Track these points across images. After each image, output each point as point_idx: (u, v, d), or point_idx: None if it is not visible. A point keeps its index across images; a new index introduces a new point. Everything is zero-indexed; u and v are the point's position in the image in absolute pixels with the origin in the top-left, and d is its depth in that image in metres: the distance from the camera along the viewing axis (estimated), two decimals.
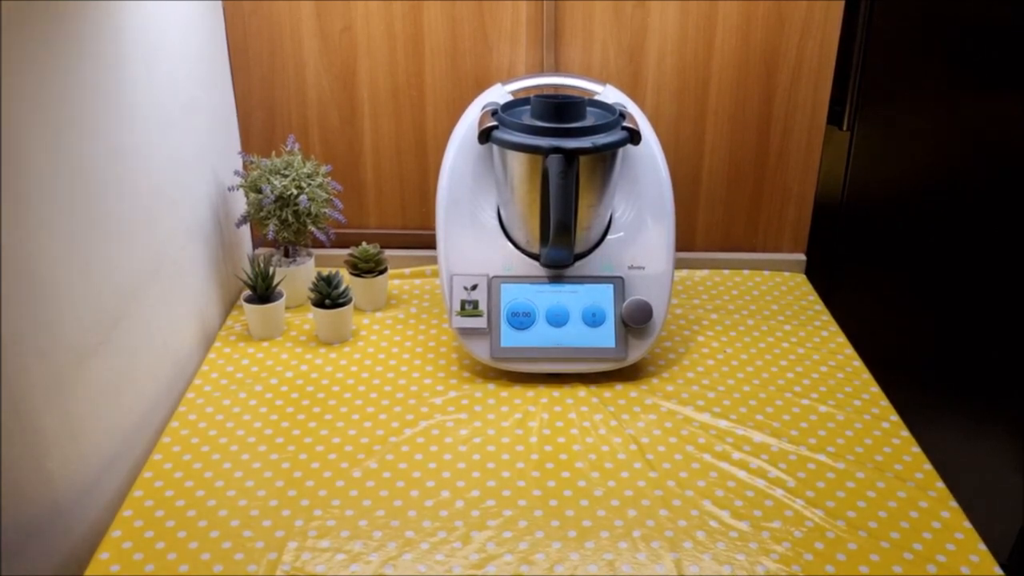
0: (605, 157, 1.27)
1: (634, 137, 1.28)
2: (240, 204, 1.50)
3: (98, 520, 1.06)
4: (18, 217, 0.88)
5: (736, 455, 1.17)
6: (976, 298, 1.79)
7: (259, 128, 1.59)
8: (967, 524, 1.05)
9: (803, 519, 1.06)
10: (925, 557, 1.00)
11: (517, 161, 1.27)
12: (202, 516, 1.05)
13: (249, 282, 1.40)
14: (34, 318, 0.92)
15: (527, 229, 1.32)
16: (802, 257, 1.68)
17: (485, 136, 1.28)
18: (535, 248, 1.33)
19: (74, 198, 1.00)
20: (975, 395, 1.80)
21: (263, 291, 1.40)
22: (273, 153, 1.50)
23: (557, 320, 1.31)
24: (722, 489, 1.11)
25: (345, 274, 1.47)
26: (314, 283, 1.39)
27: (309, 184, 1.43)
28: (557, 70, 1.54)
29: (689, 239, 1.66)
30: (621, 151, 1.29)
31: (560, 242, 1.25)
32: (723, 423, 1.23)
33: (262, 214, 1.42)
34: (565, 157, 1.21)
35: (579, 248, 1.33)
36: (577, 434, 1.21)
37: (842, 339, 1.44)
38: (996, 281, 1.76)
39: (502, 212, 1.35)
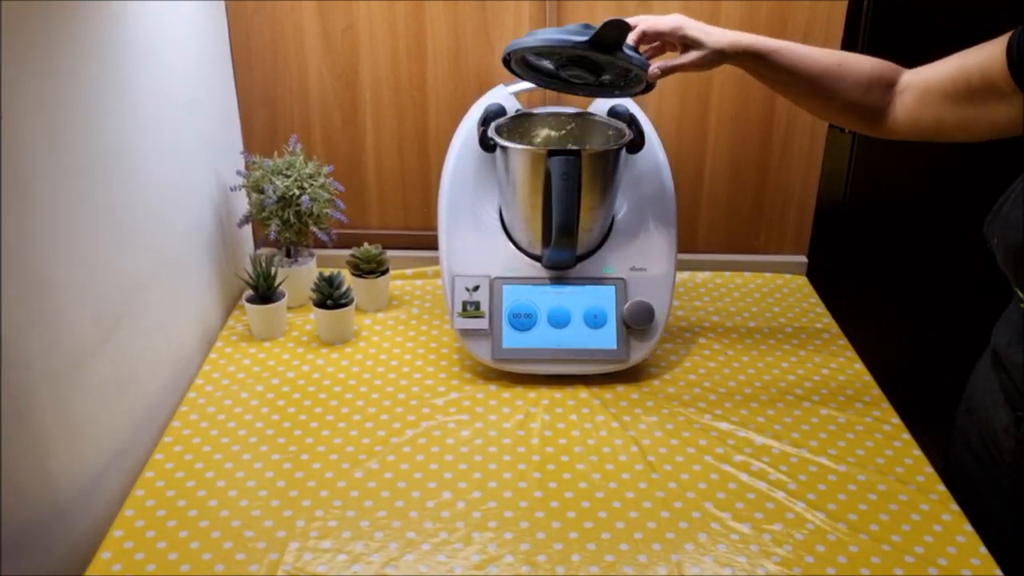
0: (607, 158, 1.27)
1: (636, 141, 1.28)
2: (242, 204, 1.49)
3: (99, 519, 1.06)
4: (20, 216, 0.88)
5: (737, 457, 1.16)
6: (978, 300, 1.79)
7: (261, 128, 1.59)
8: (968, 527, 1.05)
9: (804, 522, 1.06)
10: (926, 560, 1.00)
11: (519, 162, 1.27)
12: (203, 516, 1.05)
13: (251, 282, 1.40)
14: (36, 317, 0.92)
15: (529, 230, 1.32)
16: (804, 259, 1.67)
17: (488, 144, 1.28)
18: (537, 249, 1.33)
19: (76, 197, 1.00)
20: None
21: (265, 291, 1.40)
22: (275, 153, 1.50)
23: (559, 321, 1.31)
24: (723, 491, 1.11)
25: (347, 274, 1.46)
26: (316, 283, 1.39)
27: (311, 184, 1.43)
28: None
29: (691, 241, 1.66)
30: (623, 152, 1.29)
31: (562, 243, 1.25)
32: (724, 425, 1.23)
33: (264, 214, 1.42)
34: (567, 158, 1.21)
35: (581, 249, 1.33)
36: (578, 436, 1.21)
37: (843, 341, 1.44)
38: (998, 284, 1.76)
39: (504, 213, 1.35)
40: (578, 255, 1.33)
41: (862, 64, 1.12)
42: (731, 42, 1.12)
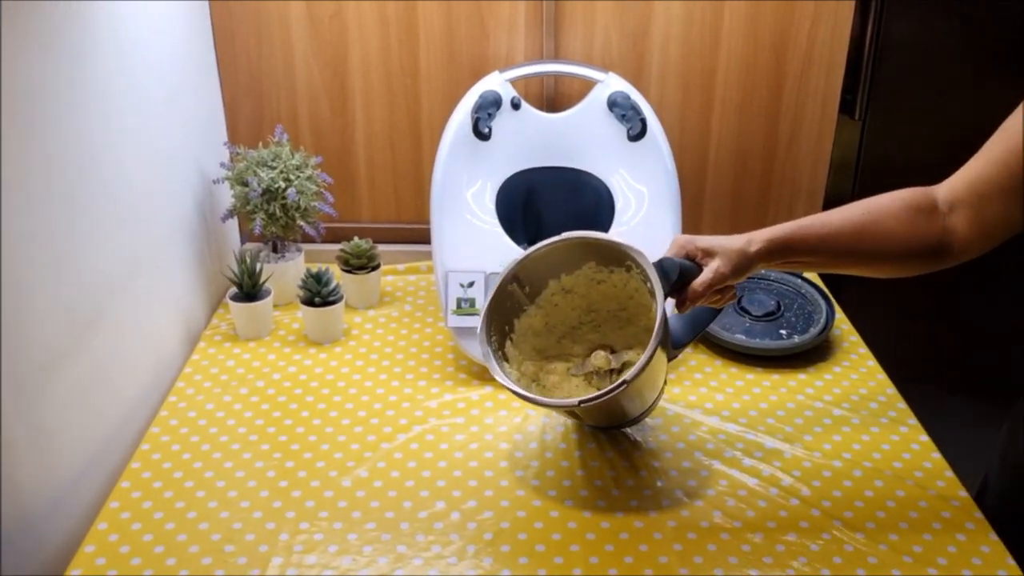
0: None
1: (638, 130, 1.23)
2: (226, 197, 1.44)
3: (71, 533, 1.01)
4: None
5: (747, 462, 1.11)
6: (992, 296, 1.74)
7: (246, 118, 1.54)
8: (993, 536, 0.99)
9: (820, 531, 1.00)
10: (951, 572, 0.95)
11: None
12: (182, 529, 1.00)
13: (235, 279, 1.35)
14: (1, 320, 0.87)
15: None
16: None
17: (481, 132, 1.23)
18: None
19: (46, 192, 0.95)
20: (995, 396, 1.75)
21: (250, 289, 1.35)
22: (260, 144, 1.44)
23: None
24: (733, 499, 1.05)
25: (336, 270, 1.42)
26: (303, 280, 1.35)
27: (298, 176, 1.38)
28: (557, 56, 1.49)
29: (694, 233, 1.61)
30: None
31: None
32: (732, 427, 1.17)
33: (249, 208, 1.37)
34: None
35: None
36: (579, 439, 1.15)
37: (855, 338, 1.39)
38: (1012, 278, 1.71)
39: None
40: None
41: (891, 203, 1.01)
42: (762, 238, 1.04)
